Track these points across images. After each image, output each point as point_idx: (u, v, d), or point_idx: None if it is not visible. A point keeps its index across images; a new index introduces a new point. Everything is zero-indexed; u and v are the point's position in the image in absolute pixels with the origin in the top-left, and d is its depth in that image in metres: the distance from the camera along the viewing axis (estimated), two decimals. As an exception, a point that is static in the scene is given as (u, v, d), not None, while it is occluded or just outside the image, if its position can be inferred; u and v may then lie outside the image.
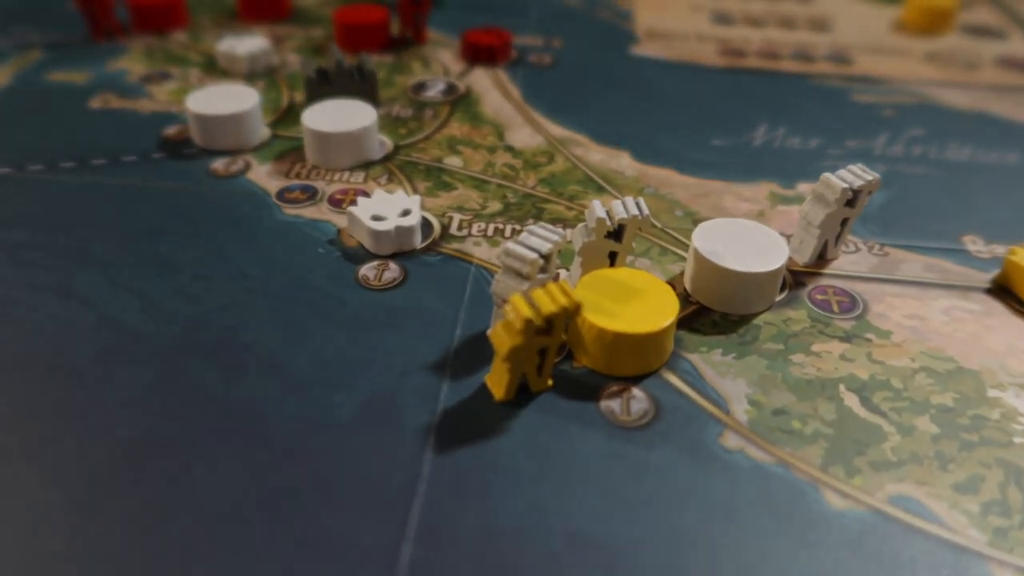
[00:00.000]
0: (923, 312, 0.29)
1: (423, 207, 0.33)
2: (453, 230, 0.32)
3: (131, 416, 0.23)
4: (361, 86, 0.39)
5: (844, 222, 0.30)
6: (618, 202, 0.27)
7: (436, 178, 0.35)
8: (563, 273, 0.29)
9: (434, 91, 0.43)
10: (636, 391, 0.25)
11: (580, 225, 0.27)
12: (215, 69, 0.44)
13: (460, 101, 0.42)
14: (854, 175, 0.29)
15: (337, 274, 0.29)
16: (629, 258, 0.30)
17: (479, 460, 0.22)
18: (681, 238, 0.32)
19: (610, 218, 0.26)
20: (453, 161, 0.36)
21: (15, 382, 0.24)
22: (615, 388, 0.25)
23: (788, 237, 0.31)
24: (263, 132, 0.38)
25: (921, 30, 0.54)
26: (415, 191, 0.34)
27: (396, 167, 0.36)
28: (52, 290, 0.28)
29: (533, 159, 0.37)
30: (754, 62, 0.48)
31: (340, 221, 0.32)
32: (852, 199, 0.29)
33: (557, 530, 0.21)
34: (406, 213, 0.30)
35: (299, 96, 0.41)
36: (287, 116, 0.40)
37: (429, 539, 0.20)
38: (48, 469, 0.22)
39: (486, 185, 0.35)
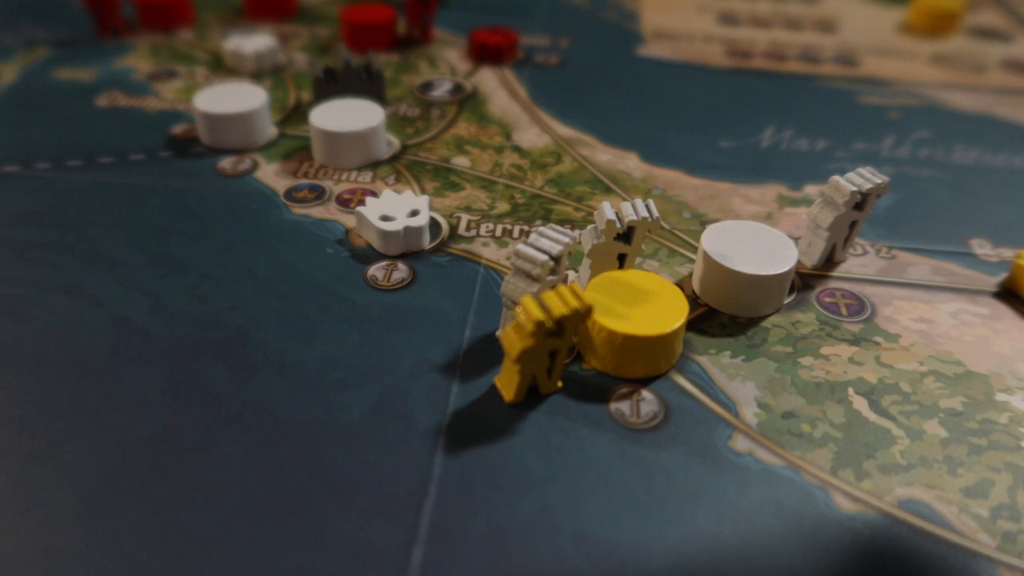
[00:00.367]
0: (931, 316, 0.29)
1: (431, 207, 0.33)
2: (461, 231, 0.32)
3: (141, 415, 0.23)
4: (368, 85, 0.39)
5: (852, 225, 0.30)
6: (628, 204, 0.27)
7: (444, 178, 0.35)
8: (571, 275, 0.29)
9: (441, 91, 0.43)
10: (645, 393, 0.25)
11: (590, 227, 0.27)
12: (221, 67, 0.44)
13: (467, 101, 0.42)
14: (863, 178, 0.29)
15: (346, 274, 0.29)
16: (637, 260, 0.30)
17: (489, 461, 0.23)
18: (689, 240, 0.32)
19: (620, 220, 0.26)
20: (460, 161, 0.36)
21: (25, 382, 0.24)
22: (624, 390, 0.25)
23: (796, 239, 0.31)
24: (271, 131, 0.38)
25: (927, 32, 0.54)
26: (423, 191, 0.34)
27: (403, 167, 0.36)
28: (61, 289, 0.28)
29: (541, 159, 0.37)
30: (760, 63, 0.48)
31: (348, 221, 0.32)
32: (861, 202, 0.29)
33: (567, 531, 0.21)
34: (415, 213, 0.30)
35: (306, 95, 0.41)
36: (294, 115, 0.40)
37: (440, 540, 0.20)
38: (59, 468, 0.22)
39: (494, 185, 0.35)
